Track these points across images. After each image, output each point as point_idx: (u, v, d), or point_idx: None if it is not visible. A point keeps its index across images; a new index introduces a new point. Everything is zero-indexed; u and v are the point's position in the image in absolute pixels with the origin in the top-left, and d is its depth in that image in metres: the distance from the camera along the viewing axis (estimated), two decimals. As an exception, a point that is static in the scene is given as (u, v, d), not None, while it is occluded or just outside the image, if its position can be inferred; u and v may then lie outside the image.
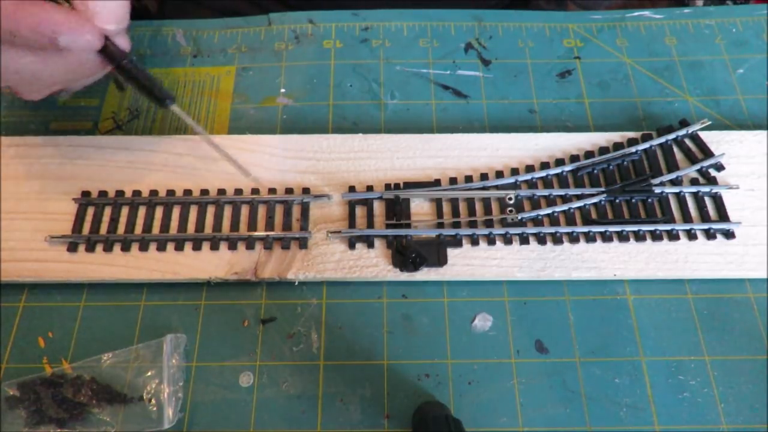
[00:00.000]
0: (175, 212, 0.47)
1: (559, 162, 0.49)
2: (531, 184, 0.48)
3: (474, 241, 0.45)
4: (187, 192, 0.47)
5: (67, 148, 0.49)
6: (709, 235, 0.46)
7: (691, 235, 0.45)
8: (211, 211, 0.47)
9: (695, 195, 0.47)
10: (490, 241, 0.45)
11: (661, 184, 0.47)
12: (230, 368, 0.43)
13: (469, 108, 0.55)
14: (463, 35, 0.59)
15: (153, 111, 0.54)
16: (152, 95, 0.41)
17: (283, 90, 0.56)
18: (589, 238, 0.45)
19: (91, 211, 0.47)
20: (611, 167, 0.48)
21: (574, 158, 0.49)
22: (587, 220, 0.46)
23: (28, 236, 0.46)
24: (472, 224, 0.46)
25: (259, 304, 0.45)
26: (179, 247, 0.45)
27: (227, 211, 0.47)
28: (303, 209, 0.47)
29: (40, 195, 0.47)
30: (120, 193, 0.47)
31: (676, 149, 0.50)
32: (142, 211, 0.47)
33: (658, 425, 0.41)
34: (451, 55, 0.58)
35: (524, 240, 0.45)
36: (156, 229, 0.46)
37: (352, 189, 0.47)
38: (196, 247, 0.45)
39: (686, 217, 0.46)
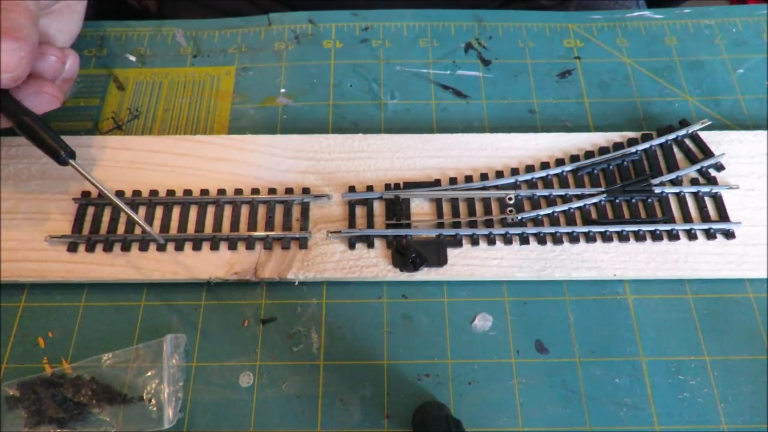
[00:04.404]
0: (175, 212, 0.47)
1: (559, 162, 0.49)
2: (531, 184, 0.48)
3: (474, 241, 0.45)
4: (187, 192, 0.47)
5: (67, 148, 0.49)
6: (709, 235, 0.46)
7: (691, 235, 0.45)
8: (211, 211, 0.47)
9: (695, 195, 0.47)
10: (490, 241, 0.45)
11: (661, 184, 0.47)
12: (230, 368, 0.43)
13: (469, 108, 0.55)
14: (463, 35, 0.59)
15: (153, 111, 0.54)
16: (49, 150, 0.41)
17: (283, 90, 0.56)
18: (589, 238, 0.45)
19: (91, 211, 0.47)
20: (611, 167, 0.49)
21: (574, 158, 0.49)
22: (587, 220, 0.46)
23: (28, 236, 0.46)
24: (472, 224, 0.46)
25: (259, 304, 0.45)
26: (179, 247, 0.45)
27: (227, 211, 0.47)
28: (303, 209, 0.47)
29: (40, 195, 0.47)
30: (120, 193, 0.47)
31: (676, 149, 0.50)
32: (142, 211, 0.47)
33: (658, 425, 0.41)
34: (451, 55, 0.58)
35: (524, 240, 0.45)
36: (156, 229, 0.46)
37: (352, 189, 0.47)
38: (196, 247, 0.45)
39: (686, 217, 0.46)
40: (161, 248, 0.45)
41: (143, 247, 0.45)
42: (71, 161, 0.41)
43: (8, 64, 0.39)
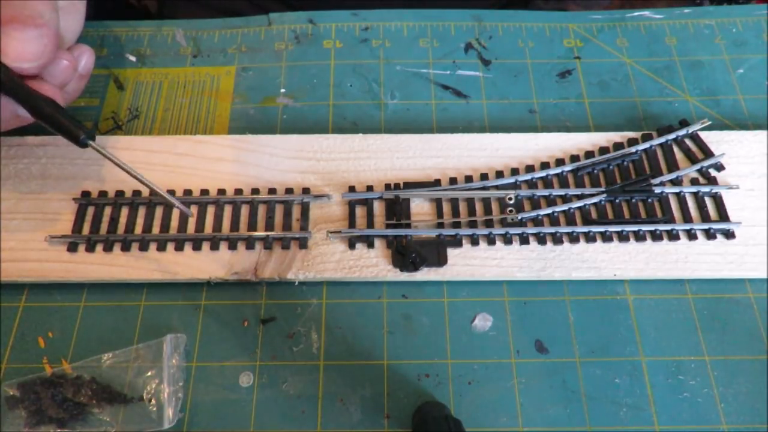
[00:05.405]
0: (175, 212, 0.47)
1: (559, 162, 0.49)
2: (531, 184, 0.48)
3: (474, 241, 0.45)
4: (187, 192, 0.47)
5: (67, 148, 0.49)
6: (709, 235, 0.46)
7: (691, 235, 0.45)
8: (211, 211, 0.47)
9: (695, 195, 0.47)
10: (490, 241, 0.45)
11: (661, 184, 0.47)
12: (230, 368, 0.43)
13: (469, 108, 0.55)
14: (463, 35, 0.59)
15: (153, 111, 0.54)
16: (68, 133, 0.40)
17: (283, 90, 0.56)
18: (589, 238, 0.45)
19: (91, 211, 0.47)
20: (611, 167, 0.49)
21: (574, 158, 0.49)
22: (587, 220, 0.46)
23: (28, 236, 0.46)
24: (472, 224, 0.46)
25: (259, 304, 0.45)
26: (179, 247, 0.45)
27: (227, 211, 0.47)
28: (303, 209, 0.47)
29: (40, 195, 0.47)
30: (120, 193, 0.47)
31: (676, 149, 0.50)
32: (142, 211, 0.47)
33: (658, 425, 0.41)
34: (451, 55, 0.58)
35: (524, 240, 0.45)
36: (156, 229, 0.46)
37: (352, 189, 0.47)
38: (196, 247, 0.45)
39: (686, 217, 0.46)
40: (161, 248, 0.45)
41: (143, 247, 0.45)
42: (91, 143, 0.41)
43: (33, 53, 0.38)
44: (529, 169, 0.49)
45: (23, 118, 0.42)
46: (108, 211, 0.47)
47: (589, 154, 0.49)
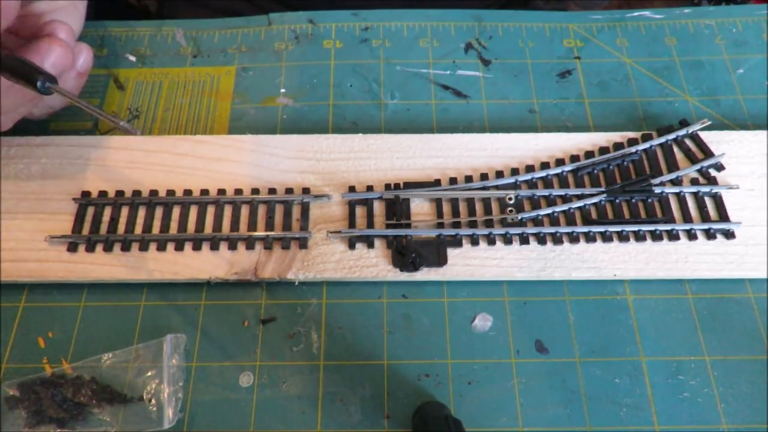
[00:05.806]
0: (175, 212, 0.47)
1: (559, 162, 0.49)
2: (531, 184, 0.48)
3: (474, 241, 0.45)
4: (187, 192, 0.47)
5: (67, 148, 0.49)
6: (709, 235, 0.46)
7: (691, 235, 0.45)
8: (211, 211, 0.47)
9: (695, 195, 0.47)
10: (490, 241, 0.45)
11: (661, 184, 0.47)
12: (230, 368, 0.43)
13: (469, 108, 0.55)
14: (463, 35, 0.59)
15: (153, 111, 0.54)
16: (28, 80, 0.39)
17: (283, 90, 0.56)
18: (589, 238, 0.45)
19: (91, 211, 0.47)
20: (611, 167, 0.48)
21: (574, 158, 0.49)
22: (587, 220, 0.46)
23: (28, 236, 0.46)
24: (472, 224, 0.46)
25: (259, 304, 0.45)
26: (179, 247, 0.45)
27: (227, 211, 0.47)
28: (303, 209, 0.47)
29: (40, 195, 0.47)
30: (120, 193, 0.47)
31: (676, 149, 0.50)
32: (142, 211, 0.47)
33: (658, 425, 0.41)
34: (451, 55, 0.58)
35: (524, 240, 0.45)
36: (156, 229, 0.46)
37: (352, 189, 0.47)
38: (196, 247, 0.45)
39: (686, 217, 0.46)
40: (161, 248, 0.45)
41: (143, 247, 0.45)
42: (53, 86, 0.39)
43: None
44: (529, 169, 0.49)
45: (33, 100, 0.42)
46: (108, 211, 0.47)
47: (589, 154, 0.49)
